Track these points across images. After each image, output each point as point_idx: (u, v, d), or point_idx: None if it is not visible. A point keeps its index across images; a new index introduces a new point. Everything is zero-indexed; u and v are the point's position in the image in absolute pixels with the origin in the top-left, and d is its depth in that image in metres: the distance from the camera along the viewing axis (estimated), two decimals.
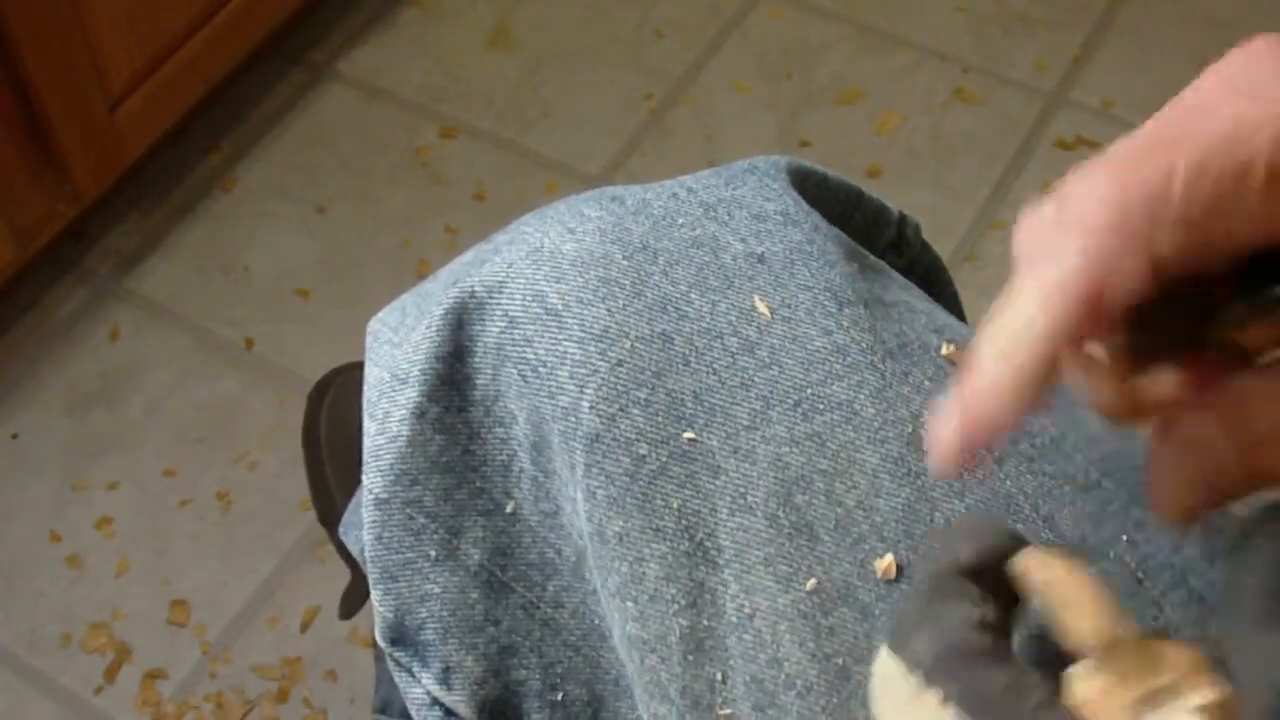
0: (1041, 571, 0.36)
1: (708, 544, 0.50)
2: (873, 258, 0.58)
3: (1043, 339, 0.34)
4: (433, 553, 0.56)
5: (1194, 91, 0.35)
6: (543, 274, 0.54)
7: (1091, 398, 0.38)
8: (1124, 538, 0.49)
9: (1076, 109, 1.48)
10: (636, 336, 0.52)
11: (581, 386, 0.52)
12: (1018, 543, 0.38)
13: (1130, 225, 0.33)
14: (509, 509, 0.56)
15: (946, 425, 0.35)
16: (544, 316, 0.53)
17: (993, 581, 0.37)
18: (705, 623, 0.50)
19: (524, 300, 0.54)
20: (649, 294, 0.53)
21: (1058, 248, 0.34)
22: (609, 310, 0.52)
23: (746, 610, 0.49)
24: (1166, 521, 0.38)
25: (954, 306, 0.68)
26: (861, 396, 0.51)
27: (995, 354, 0.34)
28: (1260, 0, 1.54)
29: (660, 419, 0.51)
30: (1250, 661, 0.35)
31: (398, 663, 0.58)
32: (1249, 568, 0.35)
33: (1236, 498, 0.36)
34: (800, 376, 0.51)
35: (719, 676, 0.50)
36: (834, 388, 0.51)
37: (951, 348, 0.52)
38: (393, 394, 0.56)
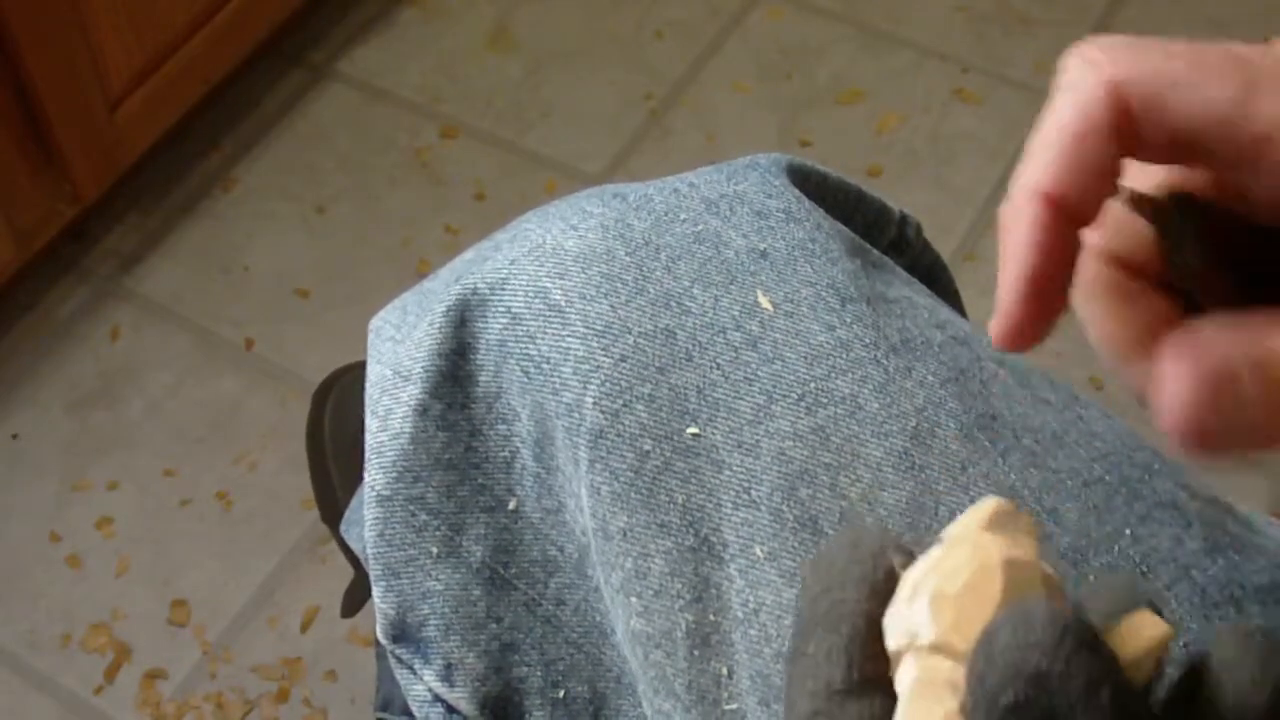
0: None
1: (712, 539, 0.50)
2: (875, 253, 0.57)
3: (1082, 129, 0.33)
4: (435, 550, 0.56)
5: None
6: (545, 270, 0.54)
7: (1099, 326, 0.35)
8: (1128, 531, 0.49)
9: None
10: (639, 332, 0.52)
11: (585, 382, 0.52)
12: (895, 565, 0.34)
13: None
14: (511, 506, 0.56)
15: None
16: (547, 312, 0.53)
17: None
18: (711, 618, 0.50)
19: (527, 296, 0.54)
20: (652, 289, 0.53)
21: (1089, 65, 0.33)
22: (612, 306, 0.52)
23: (751, 605, 0.49)
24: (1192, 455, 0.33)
25: (955, 306, 0.68)
26: (865, 391, 0.51)
27: (1039, 144, 0.33)
28: (1260, 0, 1.54)
29: (664, 414, 0.51)
30: None
31: (399, 660, 0.58)
32: None
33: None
34: (803, 371, 0.51)
35: (725, 671, 0.50)
36: (837, 382, 0.51)
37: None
38: (395, 391, 0.56)
